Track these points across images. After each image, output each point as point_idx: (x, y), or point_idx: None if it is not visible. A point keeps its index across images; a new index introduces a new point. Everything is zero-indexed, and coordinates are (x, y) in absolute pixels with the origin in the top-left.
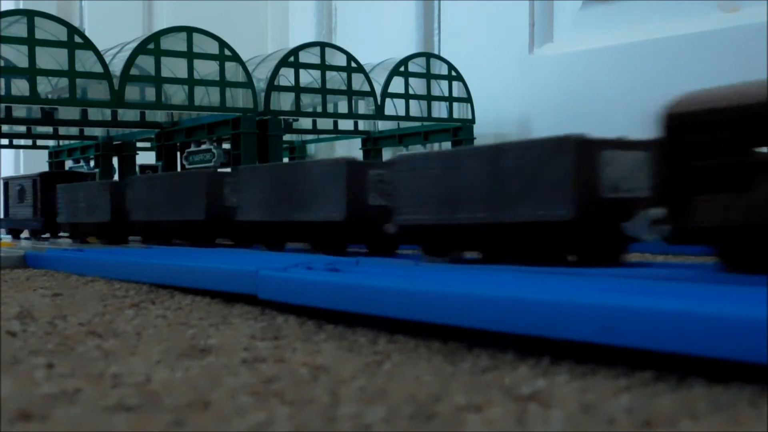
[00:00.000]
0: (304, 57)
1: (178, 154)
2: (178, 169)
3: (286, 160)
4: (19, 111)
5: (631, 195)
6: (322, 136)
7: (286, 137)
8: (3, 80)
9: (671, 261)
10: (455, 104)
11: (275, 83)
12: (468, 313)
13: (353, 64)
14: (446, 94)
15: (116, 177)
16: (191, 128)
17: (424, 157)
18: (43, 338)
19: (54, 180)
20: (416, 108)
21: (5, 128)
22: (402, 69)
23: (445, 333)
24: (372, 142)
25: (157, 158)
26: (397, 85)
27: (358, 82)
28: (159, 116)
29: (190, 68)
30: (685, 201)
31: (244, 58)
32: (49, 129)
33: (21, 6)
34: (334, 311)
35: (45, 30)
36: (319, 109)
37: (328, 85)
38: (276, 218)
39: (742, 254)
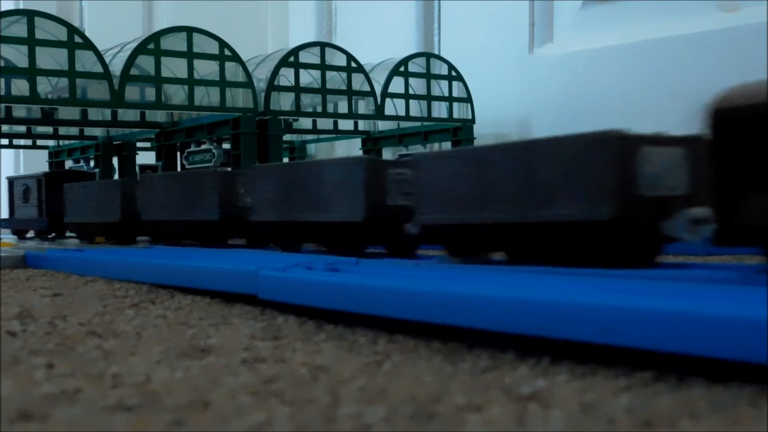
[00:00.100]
0: (304, 57)
1: (178, 154)
2: (178, 169)
3: (286, 160)
4: (19, 111)
5: (670, 193)
6: (322, 136)
7: (286, 137)
8: (3, 80)
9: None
10: (455, 104)
11: (275, 83)
12: (468, 313)
13: (353, 64)
14: (446, 94)
15: (116, 177)
16: (191, 128)
17: (449, 154)
18: (43, 338)
19: (60, 179)
20: (416, 108)
21: (5, 128)
22: (402, 69)
23: (445, 333)
24: (372, 142)
25: (157, 158)
26: (397, 85)
27: (358, 82)
28: (159, 116)
29: (190, 68)
30: (733, 200)
31: (244, 58)
32: (49, 129)
33: (21, 6)
34: (334, 311)
35: (45, 30)
36: (319, 109)
37: (328, 85)
38: (291, 218)
39: None
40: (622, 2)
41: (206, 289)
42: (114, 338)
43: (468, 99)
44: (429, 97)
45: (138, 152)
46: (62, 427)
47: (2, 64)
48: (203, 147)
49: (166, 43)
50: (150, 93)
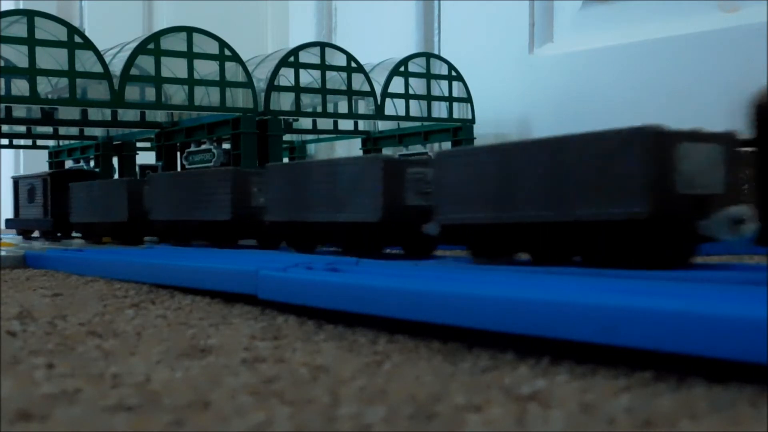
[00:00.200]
0: (304, 57)
1: (178, 154)
2: (178, 169)
3: (286, 160)
4: (19, 111)
5: (707, 191)
6: (322, 136)
7: (286, 137)
8: (3, 80)
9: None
10: (455, 104)
11: (275, 83)
12: (468, 313)
13: (353, 64)
14: (446, 94)
15: (116, 177)
16: (191, 128)
17: (473, 151)
18: (43, 338)
19: (65, 179)
20: (416, 108)
21: (5, 128)
22: (402, 69)
23: (445, 333)
24: (372, 142)
25: (157, 158)
26: (397, 85)
27: (358, 82)
28: (159, 116)
29: (190, 68)
30: None
31: (244, 58)
32: (49, 129)
33: (21, 6)
34: (334, 311)
35: (45, 30)
36: (319, 109)
37: (328, 85)
38: (306, 219)
39: None
40: (622, 2)
41: (206, 289)
42: (114, 338)
43: (468, 99)
44: (429, 97)
45: (138, 152)
46: (62, 427)
47: (2, 64)
48: (203, 147)
49: (166, 43)
50: (150, 93)
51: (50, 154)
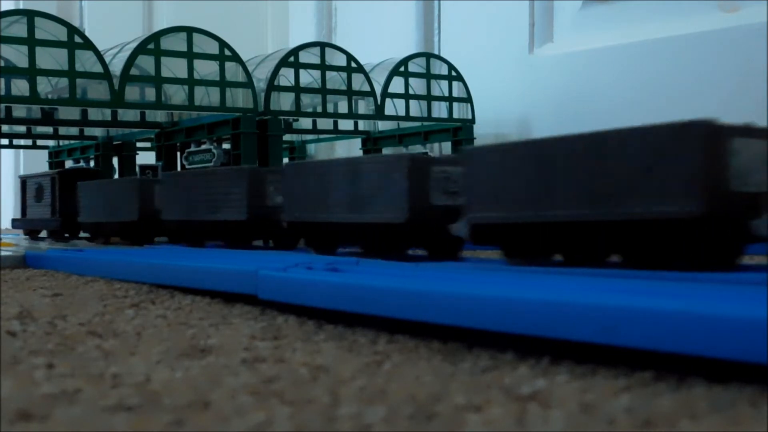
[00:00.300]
0: (304, 57)
1: (178, 154)
2: (178, 169)
3: (286, 160)
4: (19, 111)
5: (760, 189)
6: (322, 136)
7: (286, 137)
8: (3, 80)
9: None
10: (455, 104)
11: (275, 83)
12: (468, 313)
13: (353, 64)
14: (446, 94)
15: (116, 177)
16: (191, 128)
17: (507, 147)
18: (43, 338)
19: (74, 178)
20: (416, 108)
21: (5, 128)
22: (402, 69)
23: (445, 333)
24: (372, 142)
25: (157, 158)
26: (397, 85)
27: (358, 82)
28: (159, 116)
29: (190, 68)
30: None
31: (244, 58)
32: (49, 129)
33: (21, 6)
34: (334, 311)
35: (45, 30)
36: (319, 109)
37: (328, 85)
38: (327, 219)
39: None
40: (622, 2)
41: (206, 289)
42: (114, 338)
43: (468, 99)
44: (429, 97)
45: (138, 152)
46: (62, 427)
47: (2, 64)
48: (203, 147)
49: (166, 43)
50: (150, 93)
51: (50, 154)
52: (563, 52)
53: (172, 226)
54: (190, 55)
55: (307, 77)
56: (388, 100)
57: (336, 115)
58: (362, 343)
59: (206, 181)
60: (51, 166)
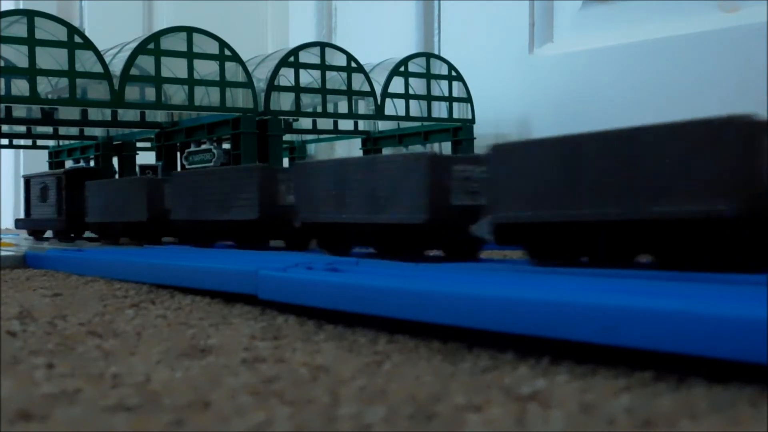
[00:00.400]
0: (304, 57)
1: (178, 154)
2: (178, 169)
3: (286, 160)
4: (19, 111)
5: None
6: (322, 136)
7: (286, 137)
8: (3, 80)
9: None
10: (455, 104)
11: (275, 83)
12: (468, 313)
13: (353, 64)
14: (446, 94)
15: (116, 177)
16: (191, 128)
17: (534, 143)
18: (43, 338)
19: (80, 177)
20: (416, 108)
21: (5, 128)
22: (402, 69)
23: (445, 333)
24: (372, 142)
25: (157, 158)
26: (397, 85)
27: (358, 82)
28: (159, 116)
29: (190, 68)
30: None
31: (244, 58)
32: (49, 129)
33: (21, 6)
34: (334, 311)
35: (45, 30)
36: (319, 109)
37: (328, 85)
38: (342, 219)
39: None
40: (622, 2)
41: (206, 289)
42: (114, 338)
43: (468, 99)
44: (429, 97)
45: (138, 152)
46: (62, 427)
47: (2, 64)
48: (203, 147)
49: (166, 43)
50: (150, 93)
51: (50, 154)
52: (563, 52)
53: (182, 226)
54: (190, 55)
55: (307, 77)
56: (388, 100)
57: (336, 115)
58: (362, 343)
59: (216, 180)
60: (51, 166)
